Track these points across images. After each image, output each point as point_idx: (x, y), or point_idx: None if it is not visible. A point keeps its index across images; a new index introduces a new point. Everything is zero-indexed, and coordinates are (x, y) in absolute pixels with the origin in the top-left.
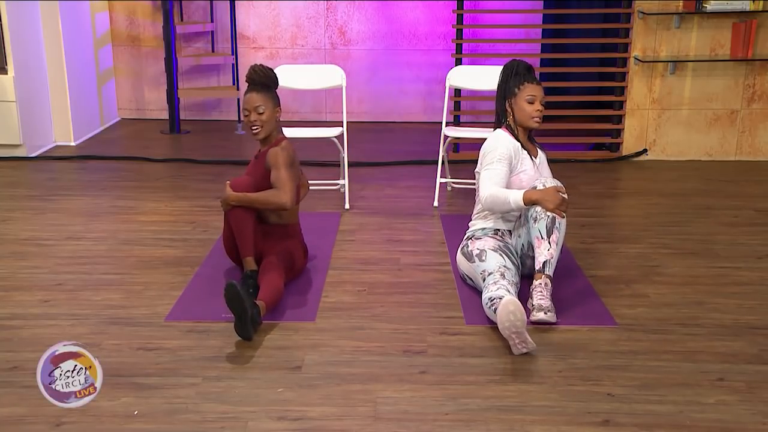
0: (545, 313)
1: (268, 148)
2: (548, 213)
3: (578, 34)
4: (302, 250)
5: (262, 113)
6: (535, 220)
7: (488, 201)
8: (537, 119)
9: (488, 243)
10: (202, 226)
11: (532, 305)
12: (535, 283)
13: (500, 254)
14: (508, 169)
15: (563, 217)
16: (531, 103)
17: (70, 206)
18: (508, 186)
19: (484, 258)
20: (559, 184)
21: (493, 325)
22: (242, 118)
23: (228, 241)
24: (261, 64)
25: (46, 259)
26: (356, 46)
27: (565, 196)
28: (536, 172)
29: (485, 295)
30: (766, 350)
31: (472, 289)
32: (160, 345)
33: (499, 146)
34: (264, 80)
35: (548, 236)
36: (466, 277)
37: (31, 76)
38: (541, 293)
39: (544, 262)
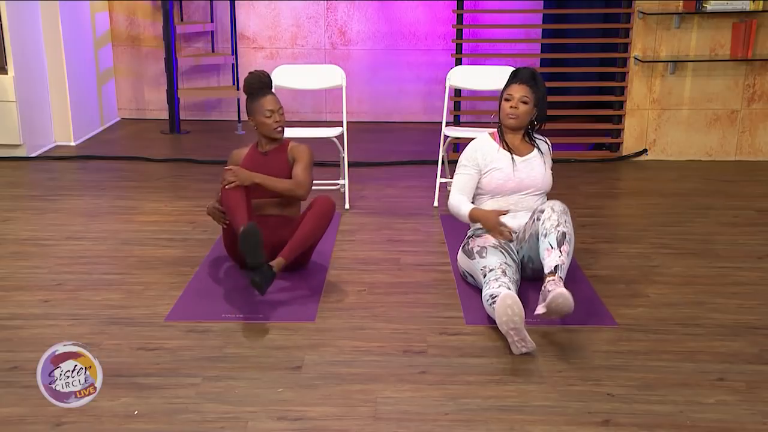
0: (563, 296)
1: (279, 147)
2: (557, 228)
3: (578, 34)
4: None
5: (283, 114)
6: (545, 236)
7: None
8: (511, 116)
9: (489, 241)
10: (202, 226)
11: (548, 290)
12: (548, 279)
13: (501, 251)
14: (473, 173)
15: (508, 240)
16: (507, 100)
17: (70, 206)
18: (483, 186)
19: (484, 255)
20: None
21: (493, 324)
22: (263, 119)
23: (228, 241)
24: (260, 70)
25: (46, 259)
26: (356, 46)
27: (508, 227)
28: (514, 171)
29: (486, 292)
30: (766, 350)
31: (472, 288)
32: (160, 345)
33: (466, 151)
34: (270, 83)
35: (559, 246)
36: (466, 274)
37: (31, 76)
38: (555, 284)
39: (556, 265)
